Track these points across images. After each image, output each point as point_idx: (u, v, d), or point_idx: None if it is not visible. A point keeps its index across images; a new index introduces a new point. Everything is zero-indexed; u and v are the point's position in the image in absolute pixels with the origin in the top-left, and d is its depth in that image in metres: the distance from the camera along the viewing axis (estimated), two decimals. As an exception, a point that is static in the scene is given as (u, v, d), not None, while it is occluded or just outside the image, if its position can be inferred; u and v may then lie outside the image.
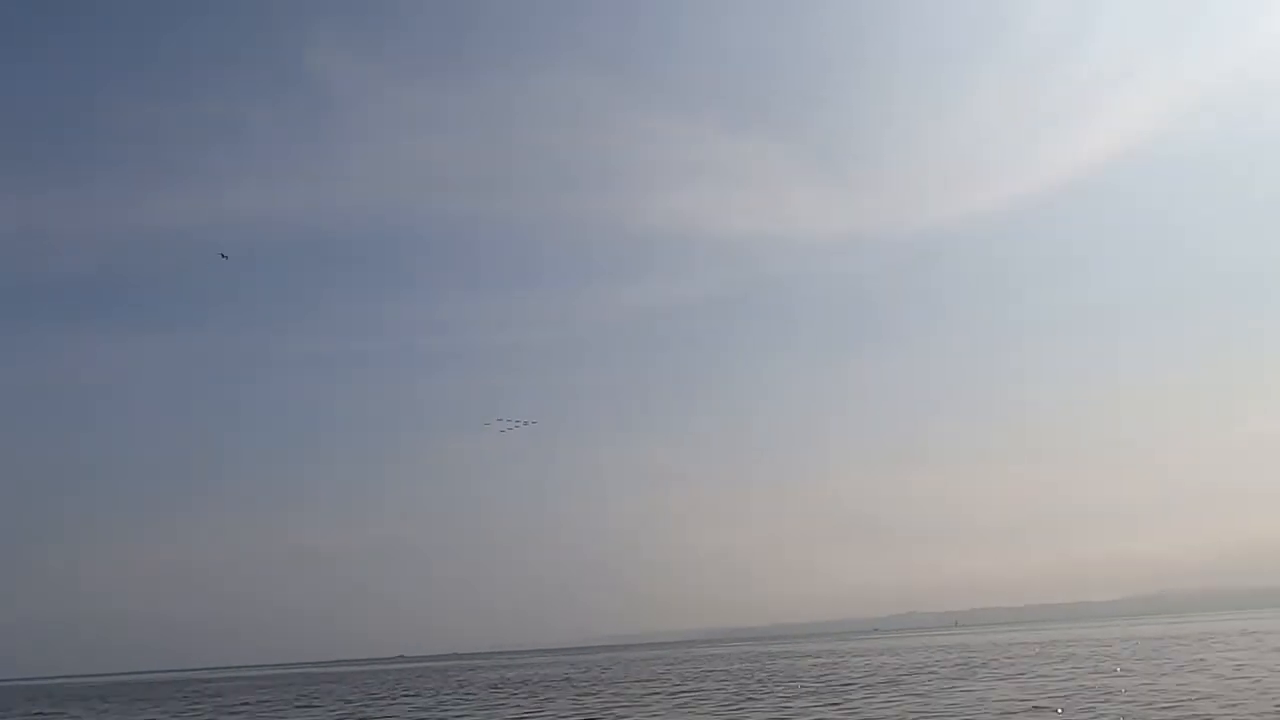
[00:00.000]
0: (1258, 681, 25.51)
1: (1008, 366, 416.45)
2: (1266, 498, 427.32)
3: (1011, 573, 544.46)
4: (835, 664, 56.72)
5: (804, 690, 33.57)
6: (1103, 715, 19.75)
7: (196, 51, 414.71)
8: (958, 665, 45.20)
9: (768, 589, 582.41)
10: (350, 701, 46.89)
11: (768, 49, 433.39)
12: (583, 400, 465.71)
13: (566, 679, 57.78)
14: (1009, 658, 50.89)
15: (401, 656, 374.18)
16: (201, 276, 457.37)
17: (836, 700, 28.15)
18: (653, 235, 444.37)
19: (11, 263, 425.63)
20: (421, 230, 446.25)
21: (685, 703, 31.35)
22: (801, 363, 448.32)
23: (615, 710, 29.83)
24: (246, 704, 51.11)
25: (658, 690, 39.68)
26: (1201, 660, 37.89)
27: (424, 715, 33.98)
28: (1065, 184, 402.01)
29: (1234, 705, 19.69)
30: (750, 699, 30.90)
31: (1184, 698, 22.27)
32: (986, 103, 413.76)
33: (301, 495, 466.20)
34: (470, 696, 44.55)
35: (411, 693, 52.29)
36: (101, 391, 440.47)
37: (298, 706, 45.60)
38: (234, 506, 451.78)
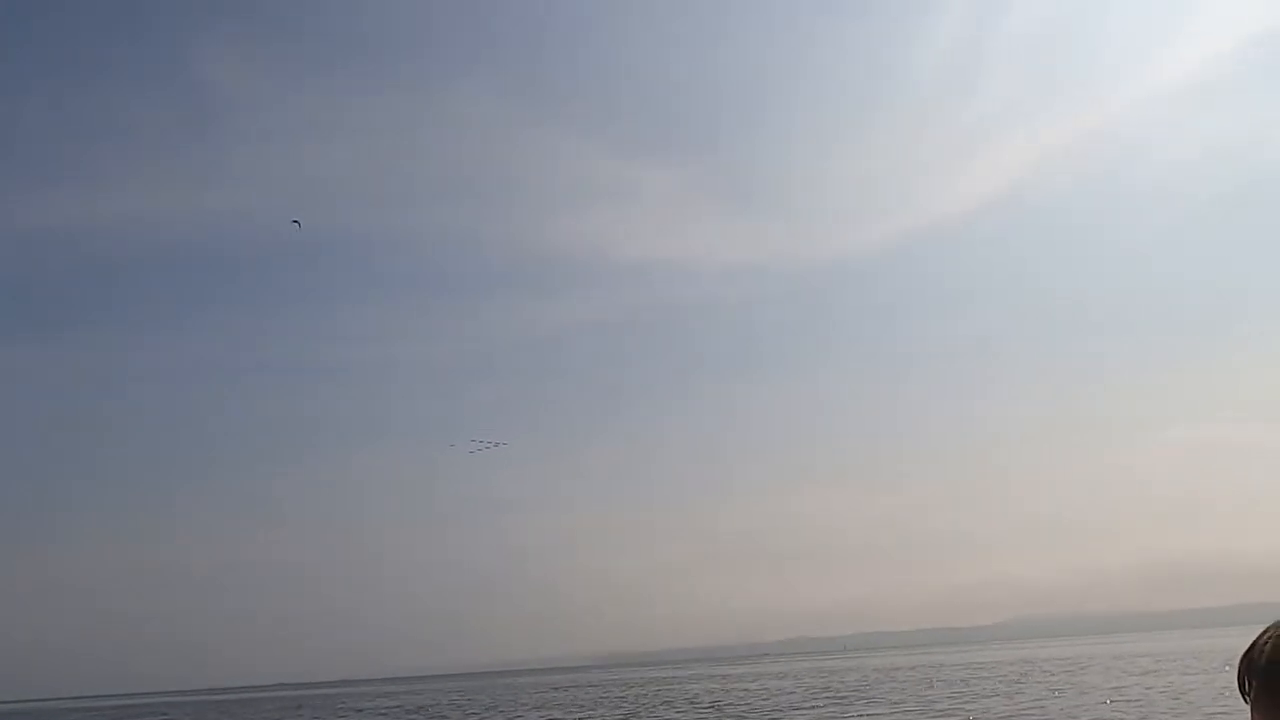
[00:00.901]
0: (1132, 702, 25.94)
1: (893, 396, 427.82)
2: (1135, 526, 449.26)
3: (896, 598, 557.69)
4: (730, 689, 56.42)
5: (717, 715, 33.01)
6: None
7: (70, 48, 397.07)
8: (854, 689, 45.32)
9: (659, 613, 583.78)
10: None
11: (673, 78, 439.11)
12: (478, 418, 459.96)
13: (454, 705, 56.04)
14: (895, 682, 51.38)
15: (283, 684, 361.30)
16: (76, 281, 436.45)
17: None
18: (554, 255, 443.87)
19: None
20: (316, 240, 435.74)
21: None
22: (698, 388, 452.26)
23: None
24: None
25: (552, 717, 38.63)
26: (1068, 681, 38.70)
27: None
28: (945, 224, 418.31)
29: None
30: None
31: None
32: (877, 144, 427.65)
33: (174, 513, 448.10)
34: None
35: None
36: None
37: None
38: (100, 524, 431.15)
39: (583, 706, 45.81)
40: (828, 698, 38.96)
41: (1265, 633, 2.06)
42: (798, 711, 32.06)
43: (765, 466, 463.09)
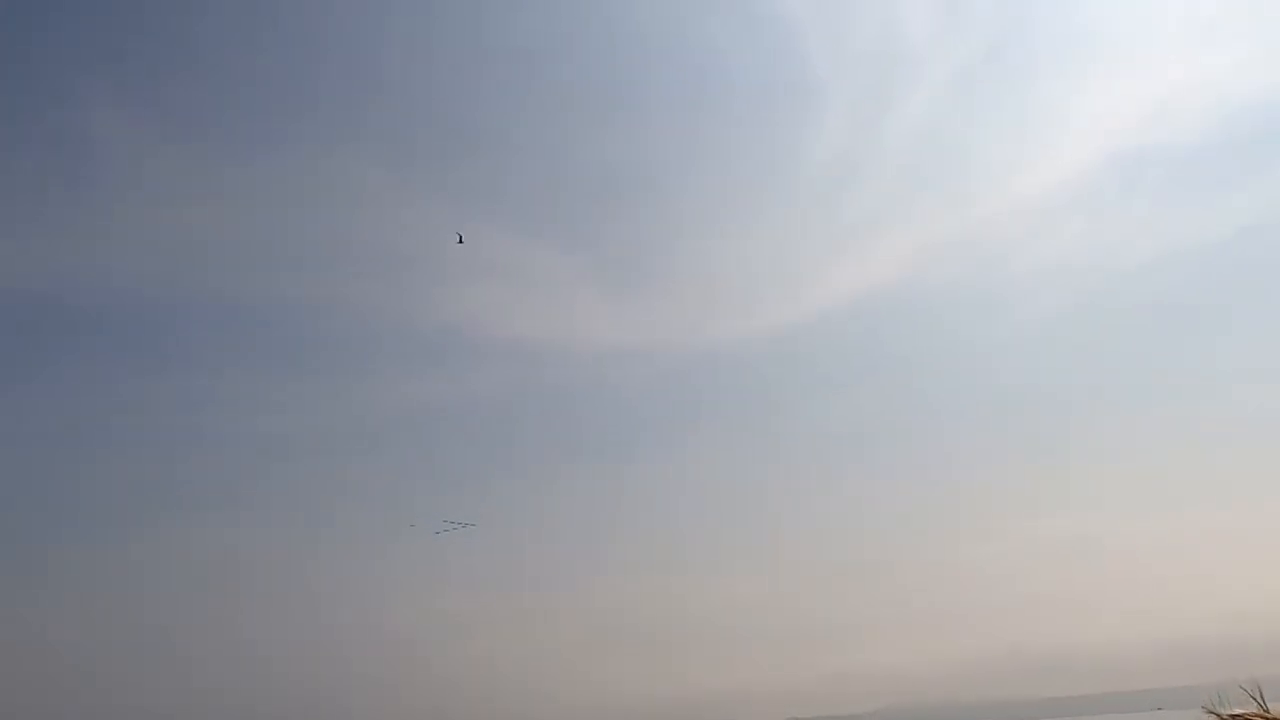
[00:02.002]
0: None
1: (770, 483, 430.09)
2: (1003, 616, 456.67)
3: (768, 686, 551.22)
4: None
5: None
6: None
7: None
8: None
9: (540, 696, 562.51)
10: None
11: (563, 157, 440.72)
12: (353, 496, 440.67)
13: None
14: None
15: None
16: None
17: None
18: (435, 332, 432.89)
19: None
20: (188, 303, 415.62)
21: None
22: (579, 470, 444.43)
23: None
24: None
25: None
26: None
27: None
28: (823, 316, 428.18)
29: None
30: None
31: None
32: (762, 238, 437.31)
33: (28, 577, 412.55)
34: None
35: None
36: None
37: None
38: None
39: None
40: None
41: None
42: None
43: (636, 552, 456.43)
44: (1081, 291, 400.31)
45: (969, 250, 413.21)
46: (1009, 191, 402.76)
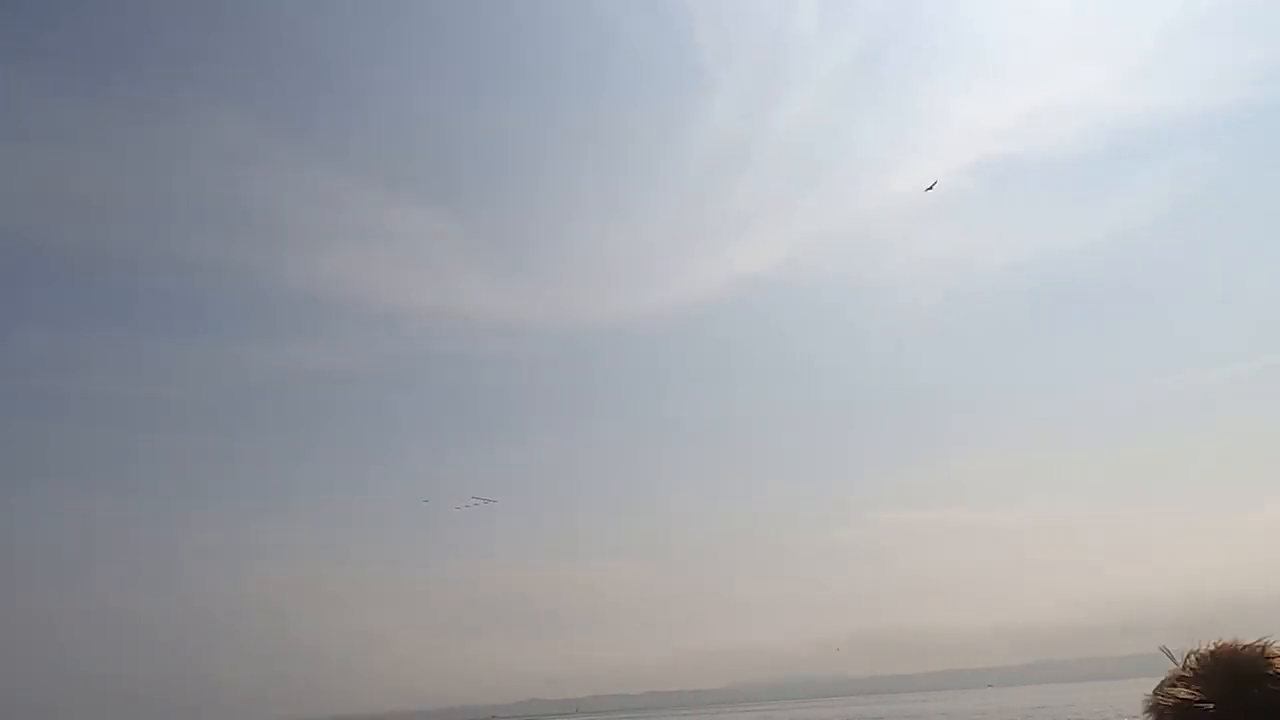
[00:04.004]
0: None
1: (653, 464, 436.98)
2: (862, 596, 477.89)
3: (630, 661, 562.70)
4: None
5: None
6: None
7: None
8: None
9: (386, 676, 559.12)
10: None
11: (451, 127, 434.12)
12: (212, 466, 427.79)
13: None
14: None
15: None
16: None
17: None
18: (308, 297, 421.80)
19: None
20: (38, 249, 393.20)
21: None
22: (452, 444, 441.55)
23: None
24: None
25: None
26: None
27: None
28: (711, 299, 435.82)
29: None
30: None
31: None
32: (651, 218, 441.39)
33: None
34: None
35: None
36: None
37: None
38: None
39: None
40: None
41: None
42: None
43: (503, 529, 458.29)
44: (952, 289, 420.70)
45: (848, 244, 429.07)
46: (887, 188, 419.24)
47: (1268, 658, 1.84)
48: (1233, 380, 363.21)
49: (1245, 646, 1.88)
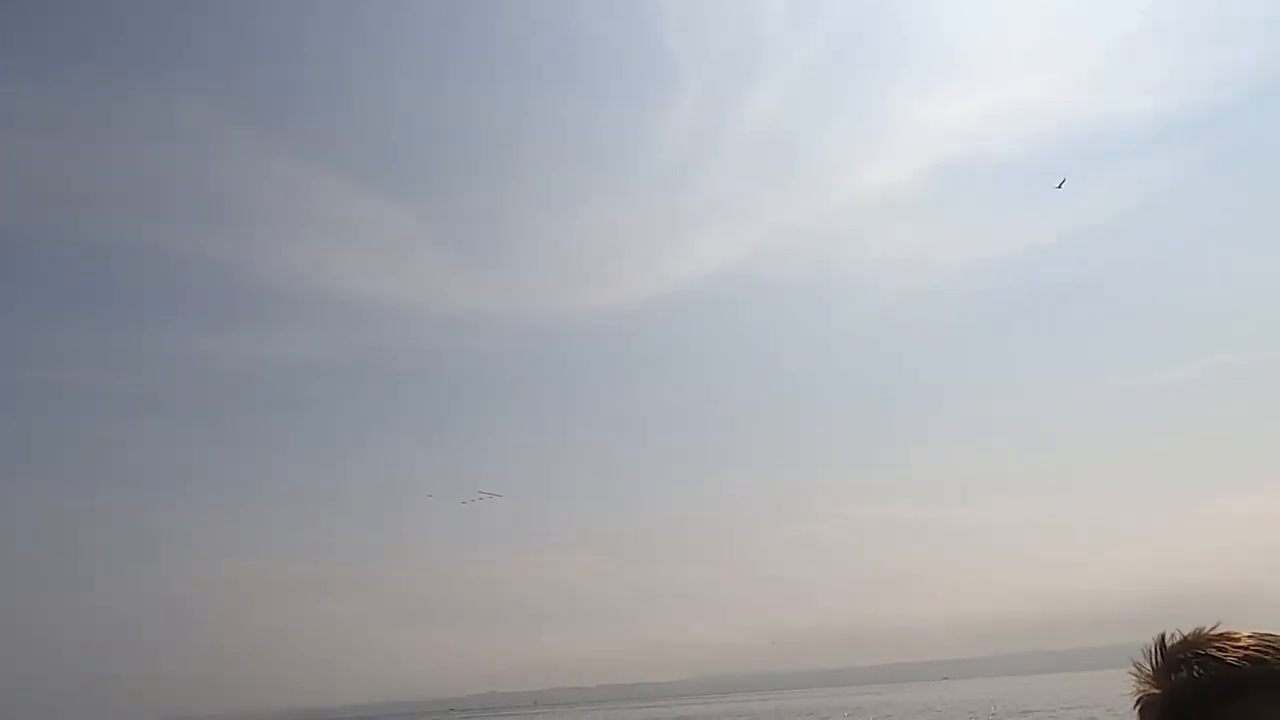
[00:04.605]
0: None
1: (616, 457, 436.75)
2: (821, 591, 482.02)
3: (587, 655, 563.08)
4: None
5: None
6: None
7: None
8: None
9: (344, 668, 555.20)
10: None
11: (423, 119, 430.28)
12: (179, 456, 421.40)
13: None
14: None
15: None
16: None
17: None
18: (278, 287, 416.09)
19: None
20: (5, 237, 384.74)
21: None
22: (419, 436, 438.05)
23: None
24: None
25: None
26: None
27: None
28: (678, 294, 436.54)
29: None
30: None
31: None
32: (621, 211, 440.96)
33: None
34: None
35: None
36: None
37: None
38: None
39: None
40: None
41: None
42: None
43: (465, 522, 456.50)
44: (912, 288, 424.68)
45: (811, 241, 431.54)
46: (850, 186, 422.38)
47: (1208, 640, 1.92)
48: (1184, 379, 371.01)
49: (1199, 632, 1.95)
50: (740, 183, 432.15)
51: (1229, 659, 1.83)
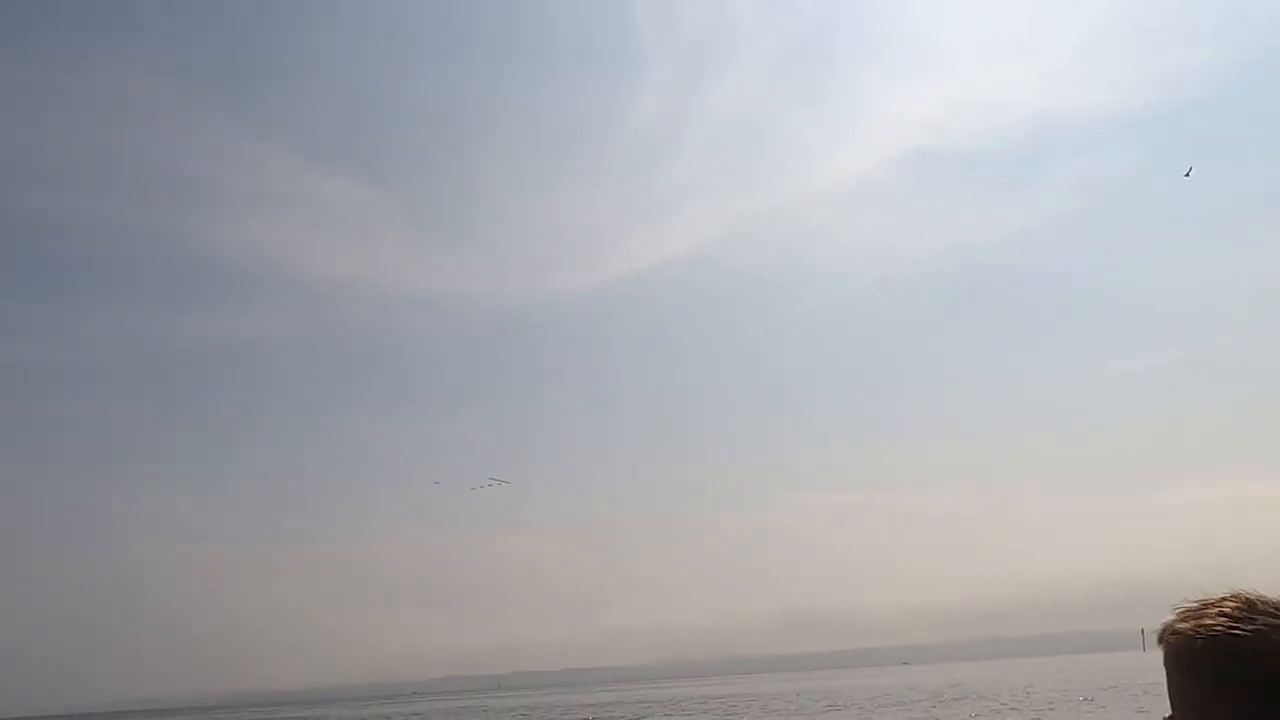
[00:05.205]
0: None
1: (582, 442, 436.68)
2: (785, 577, 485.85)
3: (551, 638, 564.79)
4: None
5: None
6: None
7: None
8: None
9: (304, 651, 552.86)
10: None
11: (388, 98, 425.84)
12: (135, 435, 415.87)
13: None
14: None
15: None
16: None
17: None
18: (237, 265, 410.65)
19: None
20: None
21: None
22: (384, 419, 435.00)
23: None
24: None
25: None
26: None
27: None
28: (645, 279, 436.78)
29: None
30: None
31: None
32: (588, 194, 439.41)
33: None
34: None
35: None
36: None
37: None
38: None
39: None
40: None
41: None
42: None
43: (427, 504, 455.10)
44: (877, 277, 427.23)
45: (779, 227, 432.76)
46: (818, 174, 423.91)
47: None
48: (1142, 371, 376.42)
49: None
50: (710, 169, 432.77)
51: None
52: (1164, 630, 1.98)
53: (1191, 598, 1.91)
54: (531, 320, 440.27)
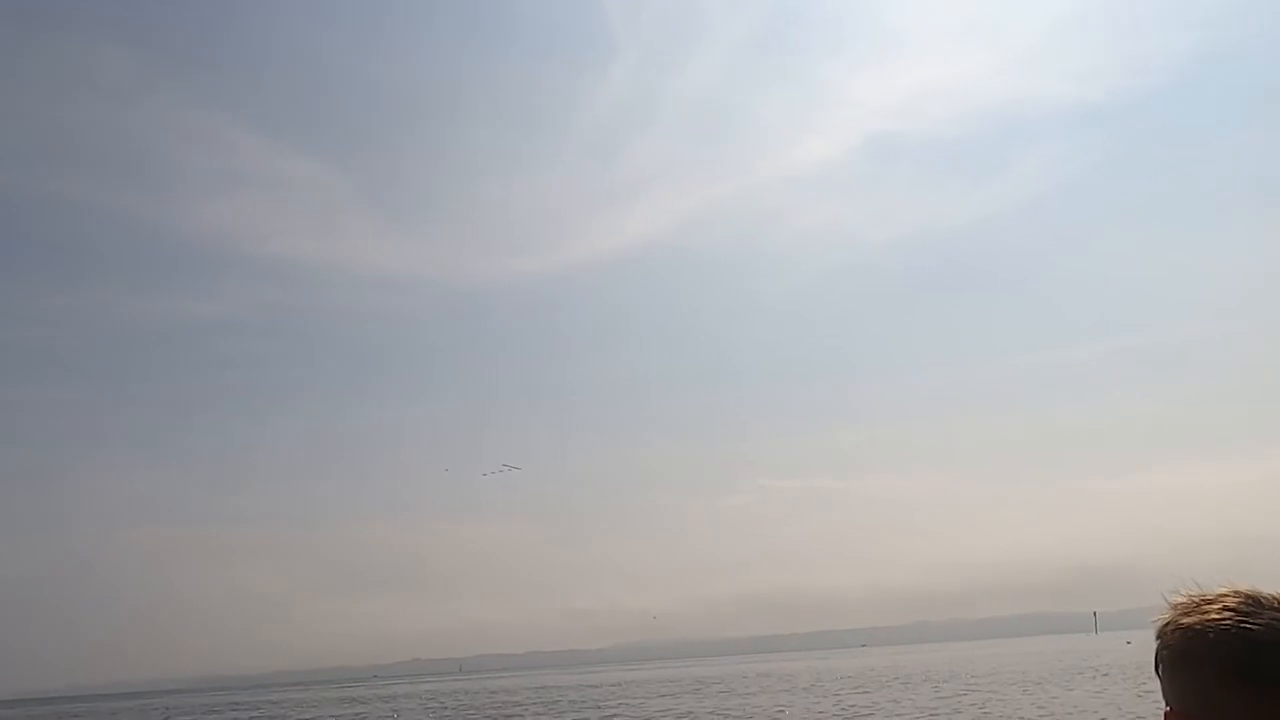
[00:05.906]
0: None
1: (546, 425, 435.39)
2: (746, 561, 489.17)
3: (513, 621, 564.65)
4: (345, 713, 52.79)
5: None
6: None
7: None
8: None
9: (265, 635, 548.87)
10: None
11: (352, 77, 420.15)
12: (94, 416, 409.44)
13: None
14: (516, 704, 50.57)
15: None
16: None
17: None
18: (197, 244, 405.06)
19: None
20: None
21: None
22: (346, 399, 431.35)
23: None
24: None
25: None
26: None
27: None
28: (609, 262, 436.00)
29: None
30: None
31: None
32: (553, 177, 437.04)
33: None
34: None
35: None
36: None
37: None
38: None
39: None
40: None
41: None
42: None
43: (391, 487, 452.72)
44: (839, 262, 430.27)
45: (742, 212, 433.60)
46: (782, 159, 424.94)
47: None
48: (1100, 357, 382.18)
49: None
50: (674, 153, 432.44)
51: None
52: (1164, 626, 1.96)
53: (1181, 591, 1.90)
54: (493, 303, 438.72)
